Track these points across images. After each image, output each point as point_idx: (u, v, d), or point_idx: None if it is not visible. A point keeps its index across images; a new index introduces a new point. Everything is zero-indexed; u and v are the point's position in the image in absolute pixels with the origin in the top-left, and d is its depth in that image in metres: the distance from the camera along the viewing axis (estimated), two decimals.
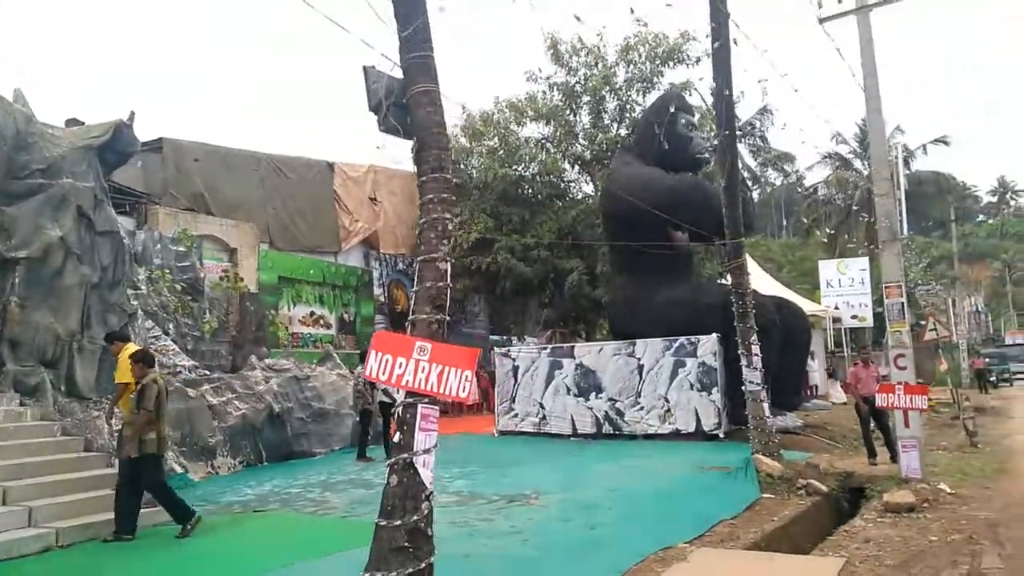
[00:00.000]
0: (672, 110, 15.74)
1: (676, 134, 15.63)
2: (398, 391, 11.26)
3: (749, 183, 35.01)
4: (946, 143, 33.38)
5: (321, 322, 20.59)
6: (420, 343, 4.25)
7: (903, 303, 9.43)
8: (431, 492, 4.18)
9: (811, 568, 6.27)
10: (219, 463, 10.73)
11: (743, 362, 10.76)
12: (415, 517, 4.04)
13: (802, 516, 8.94)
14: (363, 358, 13.01)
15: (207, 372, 12.02)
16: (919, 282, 41.13)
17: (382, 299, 22.69)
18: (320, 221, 20.83)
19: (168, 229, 15.65)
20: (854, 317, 27.09)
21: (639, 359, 14.36)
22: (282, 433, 11.94)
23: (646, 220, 14.26)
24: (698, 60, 22.14)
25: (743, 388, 10.94)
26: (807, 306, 27.18)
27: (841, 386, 24.52)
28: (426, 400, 4.23)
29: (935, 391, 23.93)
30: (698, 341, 13.74)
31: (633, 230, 15.04)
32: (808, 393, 25.14)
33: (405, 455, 4.13)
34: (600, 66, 23.26)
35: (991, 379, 31.50)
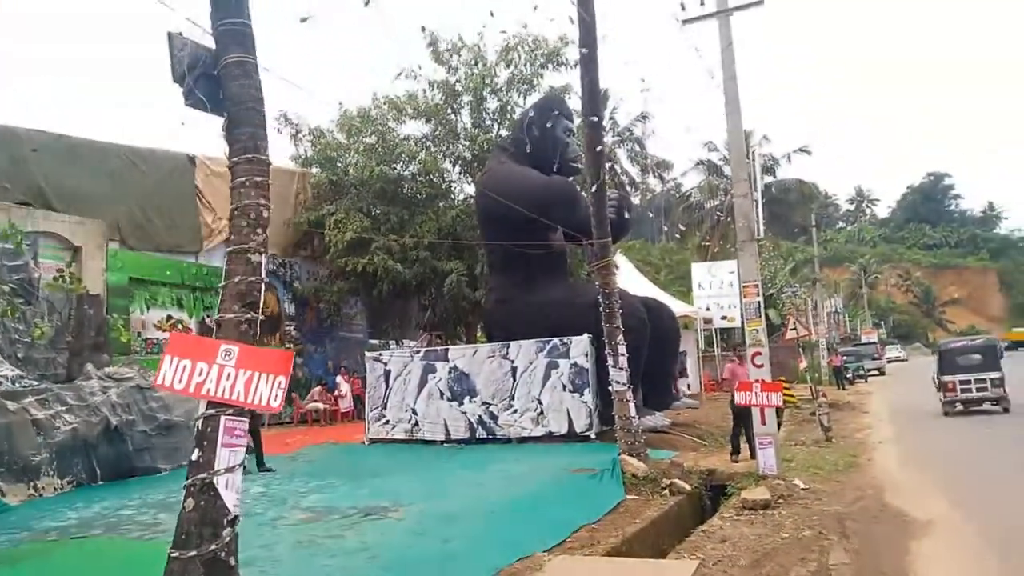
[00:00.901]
0: (552, 113, 15.65)
1: (553, 137, 15.55)
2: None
3: (628, 188, 35.86)
4: (808, 152, 35.45)
5: (180, 326, 19.23)
6: (225, 346, 3.73)
7: (759, 302, 9.60)
8: (235, 517, 3.67)
9: (664, 572, 6.14)
10: (43, 484, 9.61)
11: (610, 362, 10.70)
12: (213, 546, 3.51)
13: (664, 516, 8.90)
14: None
15: (34, 383, 10.81)
16: (784, 285, 43.40)
17: None
18: (179, 219, 19.45)
19: None
20: (723, 318, 28.03)
21: (512, 361, 14.14)
22: (121, 448, 10.88)
23: (520, 220, 14.06)
24: (576, 64, 22.27)
25: (610, 388, 10.89)
26: (680, 307, 27.95)
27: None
28: (231, 411, 3.71)
29: (797, 388, 25.21)
30: (570, 342, 13.66)
31: (507, 230, 14.82)
32: (678, 392, 25.89)
33: (204, 475, 3.60)
34: (481, 66, 23.01)
35: (848, 376, 33.48)
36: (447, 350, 15.27)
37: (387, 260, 21.24)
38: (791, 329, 19.94)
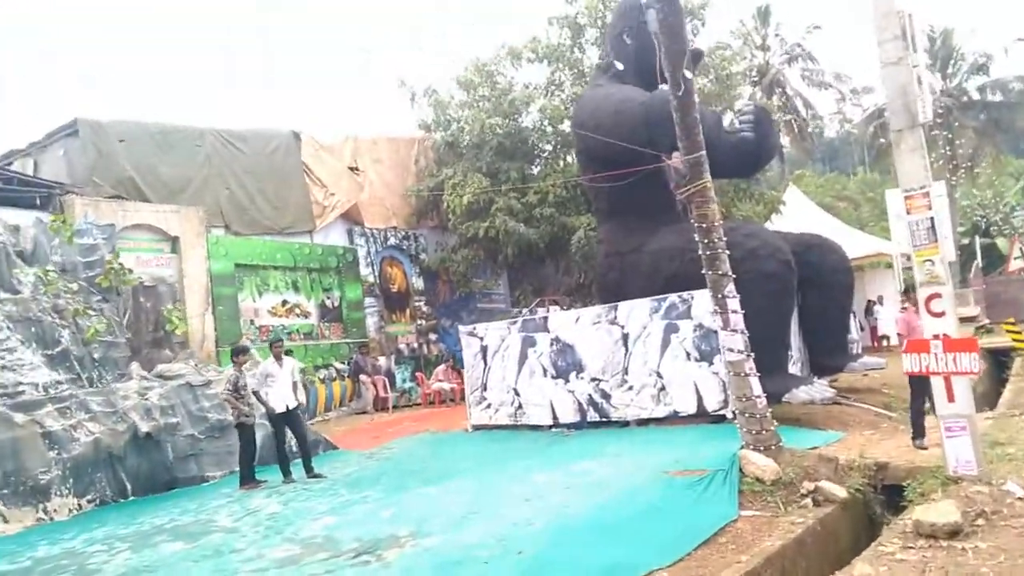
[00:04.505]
0: (644, 10, 12.45)
1: (649, 38, 12.33)
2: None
3: (800, 111, 31.01)
4: None
5: (297, 311, 18.41)
6: None
7: (932, 219, 6.25)
8: None
9: None
10: (55, 505, 8.49)
11: (718, 323, 7.79)
12: None
13: (793, 548, 6.01)
14: (235, 354, 10.43)
15: (67, 387, 9.84)
16: (1015, 207, 36.07)
17: (372, 279, 20.31)
18: (288, 198, 18.52)
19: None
20: None
21: (623, 326, 11.45)
22: (158, 457, 9.65)
23: (618, 153, 11.26)
24: None
25: (724, 358, 7.97)
26: (869, 245, 23.47)
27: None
28: None
29: None
30: (691, 298, 10.72)
31: (609, 166, 12.03)
32: (880, 346, 21.62)
33: None
34: None
35: None
36: (546, 319, 12.84)
37: (508, 221, 19.10)
38: (1015, 257, 15.28)
